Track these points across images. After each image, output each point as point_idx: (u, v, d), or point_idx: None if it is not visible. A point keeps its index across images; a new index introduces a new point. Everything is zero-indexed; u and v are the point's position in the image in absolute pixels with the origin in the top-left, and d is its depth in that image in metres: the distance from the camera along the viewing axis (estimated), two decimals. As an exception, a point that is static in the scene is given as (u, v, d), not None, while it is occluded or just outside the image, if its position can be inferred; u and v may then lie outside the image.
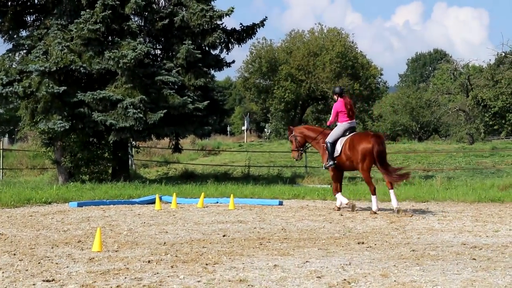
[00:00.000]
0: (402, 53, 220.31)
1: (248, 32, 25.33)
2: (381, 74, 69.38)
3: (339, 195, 15.52)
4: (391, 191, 14.62)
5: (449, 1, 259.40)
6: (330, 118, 15.58)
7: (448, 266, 8.05)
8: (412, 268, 7.87)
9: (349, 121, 15.36)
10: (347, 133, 15.26)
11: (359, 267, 7.93)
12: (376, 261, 8.43)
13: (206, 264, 8.11)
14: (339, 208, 15.28)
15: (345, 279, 7.21)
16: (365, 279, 7.22)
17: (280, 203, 16.76)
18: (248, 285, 6.95)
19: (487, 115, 56.81)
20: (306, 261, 8.37)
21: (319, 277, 7.36)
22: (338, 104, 15.37)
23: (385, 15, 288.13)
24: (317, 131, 16.26)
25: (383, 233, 11.36)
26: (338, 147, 15.15)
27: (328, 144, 15.24)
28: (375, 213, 14.49)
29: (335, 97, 15.57)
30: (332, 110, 15.58)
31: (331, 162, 15.27)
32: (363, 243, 10.06)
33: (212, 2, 24.17)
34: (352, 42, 64.99)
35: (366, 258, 8.64)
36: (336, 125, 15.51)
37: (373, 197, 14.77)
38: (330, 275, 7.44)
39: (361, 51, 66.47)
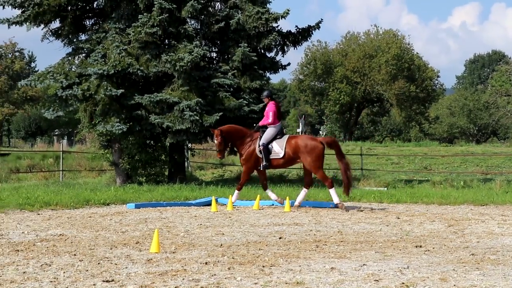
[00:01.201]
0: (458, 54, 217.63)
1: (303, 34, 25.31)
2: (438, 76, 68.55)
3: (269, 192, 16.51)
4: (332, 190, 15.83)
5: (508, 1, 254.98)
6: (270, 120, 16.27)
7: (510, 270, 7.89)
8: (472, 273, 7.75)
9: (279, 124, 16.40)
10: (278, 136, 16.22)
11: (417, 271, 7.84)
12: (435, 264, 8.33)
13: (263, 266, 8.12)
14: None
15: (403, 283, 7.13)
16: (423, 283, 7.14)
17: (335, 206, 16.67)
18: (305, 288, 6.94)
19: (547, 117, 55.68)
20: (363, 264, 8.31)
21: (376, 280, 7.30)
22: (272, 107, 16.35)
23: (442, 17, 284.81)
24: (243, 132, 16.75)
25: (441, 236, 11.21)
26: (279, 149, 16.05)
27: (263, 147, 16.07)
28: (340, 205, 15.75)
29: (266, 100, 16.65)
30: (270, 112, 16.35)
31: (265, 163, 16.13)
32: (421, 246, 9.95)
33: (268, 5, 24.23)
34: (408, 44, 64.34)
35: (424, 262, 8.53)
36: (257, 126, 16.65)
37: (332, 190, 15.88)
38: (388, 279, 7.38)
39: (417, 53, 65.77)
